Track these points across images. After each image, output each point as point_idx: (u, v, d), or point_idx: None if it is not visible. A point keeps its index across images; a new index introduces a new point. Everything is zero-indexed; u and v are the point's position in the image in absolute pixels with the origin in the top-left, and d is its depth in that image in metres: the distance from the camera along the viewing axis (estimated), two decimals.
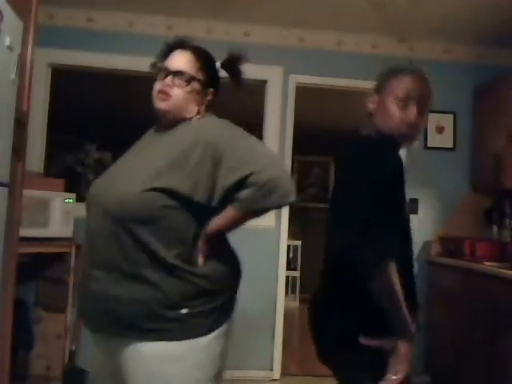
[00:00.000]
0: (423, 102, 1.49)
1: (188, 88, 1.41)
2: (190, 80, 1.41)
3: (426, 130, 3.72)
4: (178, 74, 1.41)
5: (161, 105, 1.41)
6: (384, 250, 1.27)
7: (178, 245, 1.31)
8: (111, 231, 1.29)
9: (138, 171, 1.33)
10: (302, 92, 3.78)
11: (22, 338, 2.93)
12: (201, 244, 1.34)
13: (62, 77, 3.68)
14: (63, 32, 3.51)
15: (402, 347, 1.31)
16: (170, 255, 1.29)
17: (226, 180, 1.30)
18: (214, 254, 1.35)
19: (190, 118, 1.43)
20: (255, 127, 3.17)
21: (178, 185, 1.29)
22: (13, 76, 1.79)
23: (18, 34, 1.84)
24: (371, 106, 1.53)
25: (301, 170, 7.11)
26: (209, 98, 1.48)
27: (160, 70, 1.44)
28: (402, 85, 1.47)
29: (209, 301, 1.32)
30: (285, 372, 3.65)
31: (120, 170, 1.41)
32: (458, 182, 3.77)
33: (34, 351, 3.06)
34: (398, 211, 1.35)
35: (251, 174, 1.28)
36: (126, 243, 1.28)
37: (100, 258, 1.32)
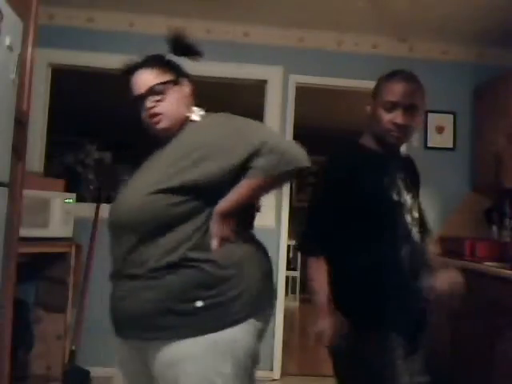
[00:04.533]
0: (412, 104, 1.56)
1: (168, 95, 1.43)
2: (164, 88, 1.43)
3: (425, 130, 3.72)
4: (151, 91, 1.42)
5: (159, 126, 1.43)
6: (301, 246, 1.67)
7: (191, 237, 1.30)
8: (125, 240, 1.32)
9: (144, 179, 1.37)
10: (302, 92, 3.78)
11: (22, 338, 2.93)
12: (212, 225, 1.32)
13: (62, 77, 3.68)
14: (63, 32, 3.51)
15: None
16: (181, 251, 1.29)
17: (239, 156, 1.32)
18: (232, 237, 1.34)
19: (188, 117, 1.46)
20: None
21: (184, 179, 1.30)
22: (13, 76, 1.79)
23: (17, 33, 1.84)
24: (368, 109, 1.64)
25: None
26: (187, 89, 1.49)
27: (136, 100, 1.44)
28: (391, 90, 1.56)
29: (226, 289, 1.29)
30: (285, 372, 3.65)
31: (132, 184, 1.43)
32: (458, 182, 3.77)
33: (34, 351, 3.06)
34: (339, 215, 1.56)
35: (263, 143, 1.31)
36: (139, 249, 1.30)
37: (118, 268, 1.35)
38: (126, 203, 1.35)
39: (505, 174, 3.34)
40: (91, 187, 4.63)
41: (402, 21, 3.45)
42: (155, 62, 1.47)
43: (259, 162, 1.31)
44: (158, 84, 1.42)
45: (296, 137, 3.71)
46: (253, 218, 1.49)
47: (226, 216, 1.32)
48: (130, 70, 1.48)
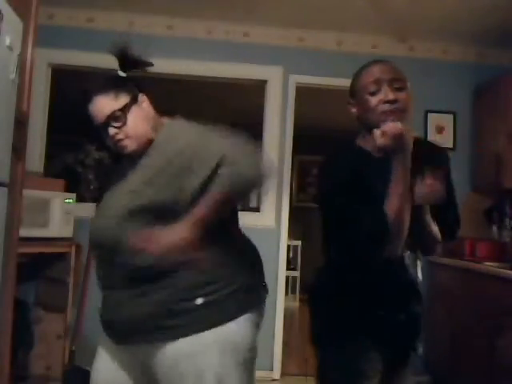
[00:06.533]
0: (394, 80, 1.52)
1: (129, 119, 1.39)
2: (123, 113, 1.39)
3: (425, 130, 3.72)
4: (111, 118, 1.38)
5: (127, 150, 1.41)
6: None
7: None
8: (110, 257, 1.34)
9: (113, 203, 1.37)
10: (302, 92, 3.78)
11: (22, 338, 2.93)
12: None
13: (62, 77, 3.68)
14: (63, 32, 3.51)
15: None
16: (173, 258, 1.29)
17: (202, 172, 1.30)
18: (215, 239, 1.33)
19: (154, 135, 1.42)
20: (255, 127, 3.16)
21: (155, 198, 1.30)
22: (13, 76, 1.79)
23: (18, 34, 1.84)
24: (353, 110, 1.61)
25: (301, 169, 7.11)
26: (145, 103, 1.45)
27: (101, 128, 1.41)
28: (370, 73, 1.54)
29: (224, 286, 1.32)
30: (285, 372, 3.65)
31: (105, 206, 1.42)
32: (458, 182, 3.72)
33: (34, 351, 3.06)
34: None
35: (222, 158, 1.28)
36: (126, 263, 1.31)
37: (109, 281, 1.37)
38: (101, 229, 1.36)
39: (505, 174, 3.34)
40: (91, 187, 4.62)
41: (402, 21, 3.46)
42: (109, 85, 1.44)
43: (219, 176, 1.28)
44: (116, 110, 1.38)
45: (296, 137, 3.73)
46: (236, 216, 1.50)
47: (199, 224, 1.28)
48: (87, 97, 1.43)
